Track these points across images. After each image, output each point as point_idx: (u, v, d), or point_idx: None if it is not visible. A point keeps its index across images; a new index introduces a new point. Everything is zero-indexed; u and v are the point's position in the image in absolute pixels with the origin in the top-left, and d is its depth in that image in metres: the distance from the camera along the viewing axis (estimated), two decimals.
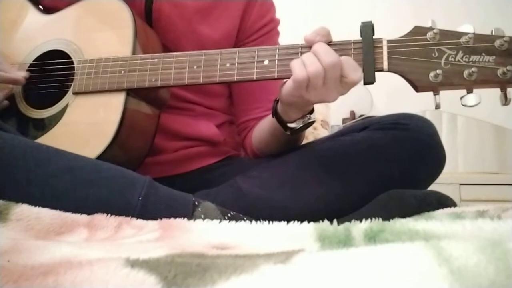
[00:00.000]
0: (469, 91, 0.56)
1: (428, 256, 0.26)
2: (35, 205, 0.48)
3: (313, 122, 0.68)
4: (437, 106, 0.57)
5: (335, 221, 0.46)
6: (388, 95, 2.05)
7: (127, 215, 0.51)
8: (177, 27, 0.79)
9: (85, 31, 0.75)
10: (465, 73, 0.54)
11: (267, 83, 0.83)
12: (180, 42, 0.78)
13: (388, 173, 0.65)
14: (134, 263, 0.27)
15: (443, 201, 0.59)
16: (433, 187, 0.67)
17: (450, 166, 1.96)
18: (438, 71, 0.55)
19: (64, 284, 0.26)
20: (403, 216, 0.52)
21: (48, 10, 0.81)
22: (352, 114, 2.08)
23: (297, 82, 0.57)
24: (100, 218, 0.49)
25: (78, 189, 0.53)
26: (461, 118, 1.95)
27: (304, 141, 0.81)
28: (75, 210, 0.50)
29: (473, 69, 0.54)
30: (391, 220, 0.45)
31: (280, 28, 0.90)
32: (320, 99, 0.59)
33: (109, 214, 0.50)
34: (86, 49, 0.73)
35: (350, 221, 0.46)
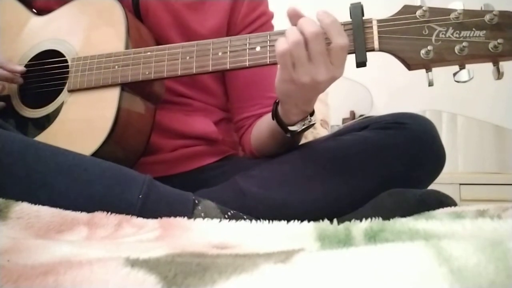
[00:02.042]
0: (462, 67, 0.57)
1: (428, 256, 0.26)
2: (35, 203, 0.48)
3: (313, 124, 0.68)
4: (430, 83, 0.57)
5: (335, 220, 0.46)
6: (388, 95, 2.05)
7: (127, 214, 0.51)
8: (165, 23, 0.78)
9: (78, 30, 0.75)
10: (456, 48, 0.55)
11: (262, 80, 0.83)
12: (170, 38, 0.78)
13: (388, 173, 0.65)
14: (134, 263, 0.27)
15: (443, 201, 0.59)
16: (433, 187, 0.67)
17: (450, 166, 1.96)
18: (429, 48, 0.55)
19: (64, 284, 0.26)
20: (403, 215, 0.52)
21: (41, 12, 0.81)
22: (352, 114, 2.08)
23: (281, 56, 0.56)
24: (100, 216, 0.49)
25: (78, 187, 0.53)
26: (461, 118, 1.95)
27: (304, 141, 0.81)
28: (75, 208, 0.50)
29: (464, 44, 0.54)
30: (391, 219, 0.46)
31: (274, 21, 0.88)
32: (311, 79, 0.56)
33: (109, 212, 0.50)
34: (80, 48, 0.73)
35: (350, 220, 0.46)
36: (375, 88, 2.03)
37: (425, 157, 0.66)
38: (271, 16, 0.88)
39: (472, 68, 0.56)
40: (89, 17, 0.75)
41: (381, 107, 2.02)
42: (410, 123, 0.66)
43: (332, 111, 1.61)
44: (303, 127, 0.67)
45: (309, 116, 0.67)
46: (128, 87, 0.69)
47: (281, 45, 0.56)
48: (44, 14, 0.79)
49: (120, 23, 0.71)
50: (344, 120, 2.06)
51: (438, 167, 0.68)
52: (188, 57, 0.65)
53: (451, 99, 1.90)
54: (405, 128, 0.66)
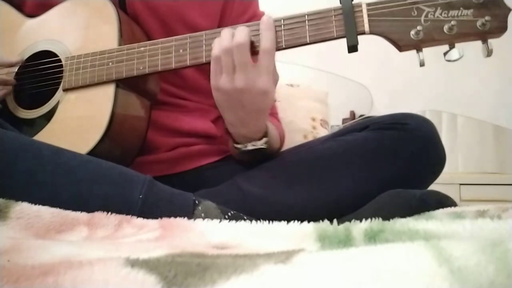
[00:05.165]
0: (451, 46, 0.58)
1: (428, 256, 0.26)
2: (35, 203, 0.48)
3: (261, 149, 0.68)
4: (421, 63, 0.59)
5: (335, 221, 0.46)
6: (388, 95, 2.05)
7: (127, 214, 0.51)
8: (154, 29, 0.78)
9: (71, 29, 0.75)
10: (445, 27, 0.56)
11: None
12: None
13: (388, 173, 0.65)
14: (134, 263, 0.27)
15: (443, 201, 0.59)
16: (433, 187, 0.67)
17: (450, 166, 1.96)
18: (419, 28, 0.57)
19: (64, 284, 0.26)
20: (403, 216, 0.52)
21: (30, 15, 0.80)
22: (352, 114, 2.08)
23: (214, 61, 0.60)
24: (100, 216, 0.49)
25: (78, 187, 0.53)
26: (461, 118, 1.95)
27: (304, 141, 0.81)
28: (75, 208, 0.50)
29: (453, 23, 0.55)
30: (391, 220, 0.45)
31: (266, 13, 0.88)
32: (232, 86, 0.59)
33: (110, 213, 0.50)
34: (74, 47, 0.73)
35: (350, 221, 0.46)
36: (375, 88, 2.03)
37: (425, 158, 0.66)
38: (261, 16, 0.87)
39: (462, 46, 0.57)
40: (81, 16, 0.75)
41: (381, 107, 2.02)
42: (410, 123, 0.66)
43: (332, 111, 1.61)
44: (245, 149, 0.68)
45: (256, 141, 0.68)
46: (123, 84, 0.69)
47: (215, 50, 0.60)
48: (36, 16, 0.79)
49: (112, 21, 0.71)
50: (344, 120, 2.06)
51: (438, 167, 0.68)
52: (181, 50, 0.65)
53: (451, 99, 1.90)
54: (405, 128, 0.66)
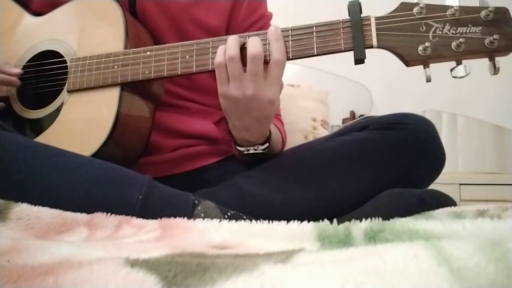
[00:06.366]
0: (458, 62, 0.57)
1: (428, 255, 0.26)
2: (35, 204, 0.48)
3: (261, 153, 0.69)
4: (428, 79, 0.58)
5: (335, 220, 0.46)
6: (388, 95, 2.05)
7: (127, 214, 0.51)
8: (163, 28, 0.78)
9: (77, 30, 0.75)
10: (453, 44, 0.56)
11: None
12: (167, 41, 0.78)
13: (388, 173, 0.65)
14: (134, 263, 0.27)
15: (443, 201, 0.59)
16: (433, 187, 0.67)
17: (450, 166, 1.96)
18: (427, 44, 0.56)
19: (64, 284, 0.26)
20: (403, 215, 0.52)
21: (37, 14, 0.80)
22: (352, 114, 2.08)
23: (216, 68, 0.60)
24: (100, 217, 0.49)
25: (78, 188, 0.53)
26: (461, 118, 1.95)
27: (304, 141, 0.81)
28: (75, 209, 0.50)
29: (461, 40, 0.55)
30: (391, 219, 0.45)
31: (273, 22, 0.87)
32: (242, 93, 0.59)
33: (109, 213, 0.50)
34: (79, 48, 0.73)
35: (350, 220, 0.46)
36: (375, 88, 2.03)
37: (425, 158, 0.66)
38: (270, 17, 0.88)
39: (469, 63, 0.57)
40: (87, 17, 0.75)
41: (381, 107, 2.02)
42: (410, 123, 0.66)
43: (332, 111, 1.61)
44: (248, 152, 0.69)
45: (258, 145, 0.68)
46: (128, 87, 0.69)
47: (218, 57, 0.60)
48: (41, 15, 0.79)
49: (118, 23, 0.71)
50: (344, 120, 2.07)
51: (438, 167, 0.68)
52: (187, 56, 0.65)
53: (451, 99, 1.90)
54: (405, 128, 0.66)
